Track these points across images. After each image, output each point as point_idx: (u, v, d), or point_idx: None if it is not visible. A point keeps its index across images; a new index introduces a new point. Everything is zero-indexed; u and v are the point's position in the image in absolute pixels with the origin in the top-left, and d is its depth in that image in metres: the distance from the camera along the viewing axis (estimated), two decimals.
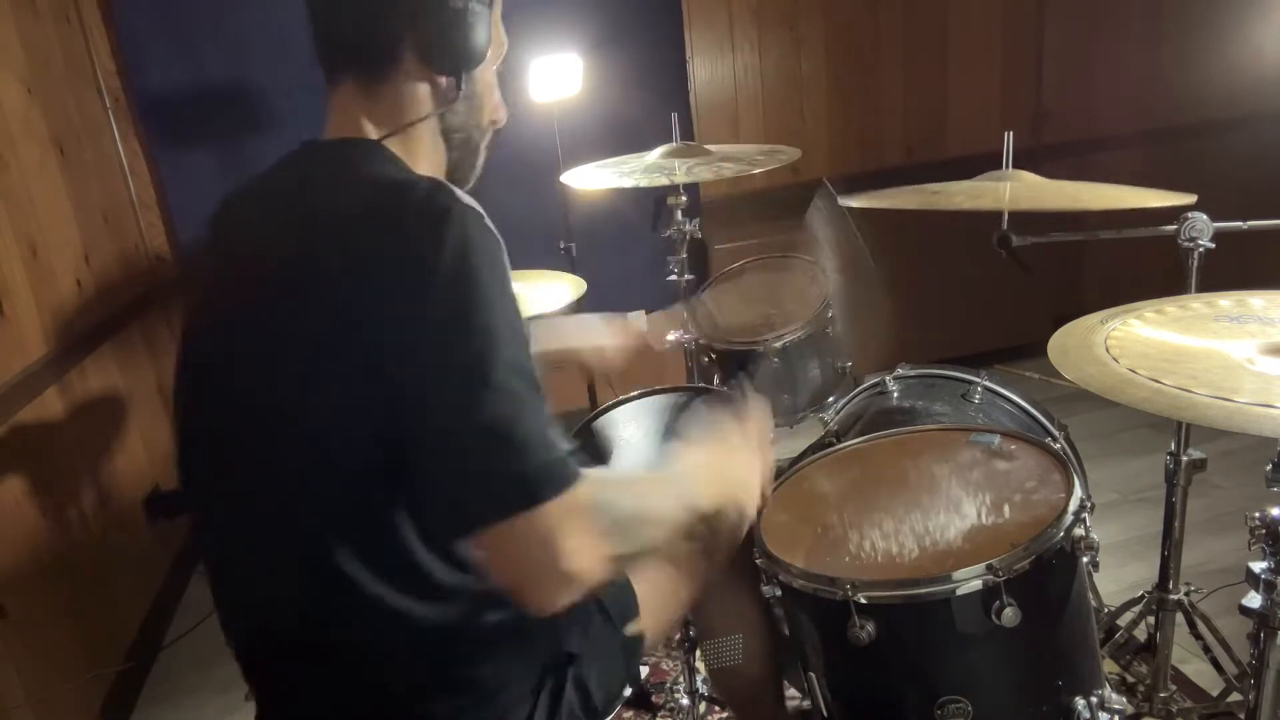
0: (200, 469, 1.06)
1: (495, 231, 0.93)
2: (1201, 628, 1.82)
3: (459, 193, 0.95)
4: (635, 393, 1.91)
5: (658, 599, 1.26)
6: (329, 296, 0.90)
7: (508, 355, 0.88)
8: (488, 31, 1.07)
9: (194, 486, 1.08)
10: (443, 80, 1.06)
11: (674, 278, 2.16)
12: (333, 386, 0.91)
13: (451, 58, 1.04)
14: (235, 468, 1.01)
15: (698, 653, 1.81)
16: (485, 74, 1.11)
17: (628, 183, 1.96)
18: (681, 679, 1.94)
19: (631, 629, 1.22)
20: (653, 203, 2.26)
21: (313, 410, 0.92)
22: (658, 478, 1.13)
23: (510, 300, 0.91)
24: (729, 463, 1.20)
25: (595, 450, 1.75)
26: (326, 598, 0.96)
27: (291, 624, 1.00)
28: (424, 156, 1.08)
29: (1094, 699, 1.18)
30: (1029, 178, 1.69)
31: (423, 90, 1.06)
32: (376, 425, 0.89)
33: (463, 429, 0.87)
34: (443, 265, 0.87)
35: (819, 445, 1.69)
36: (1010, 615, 1.09)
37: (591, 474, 0.93)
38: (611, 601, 1.21)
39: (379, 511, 0.93)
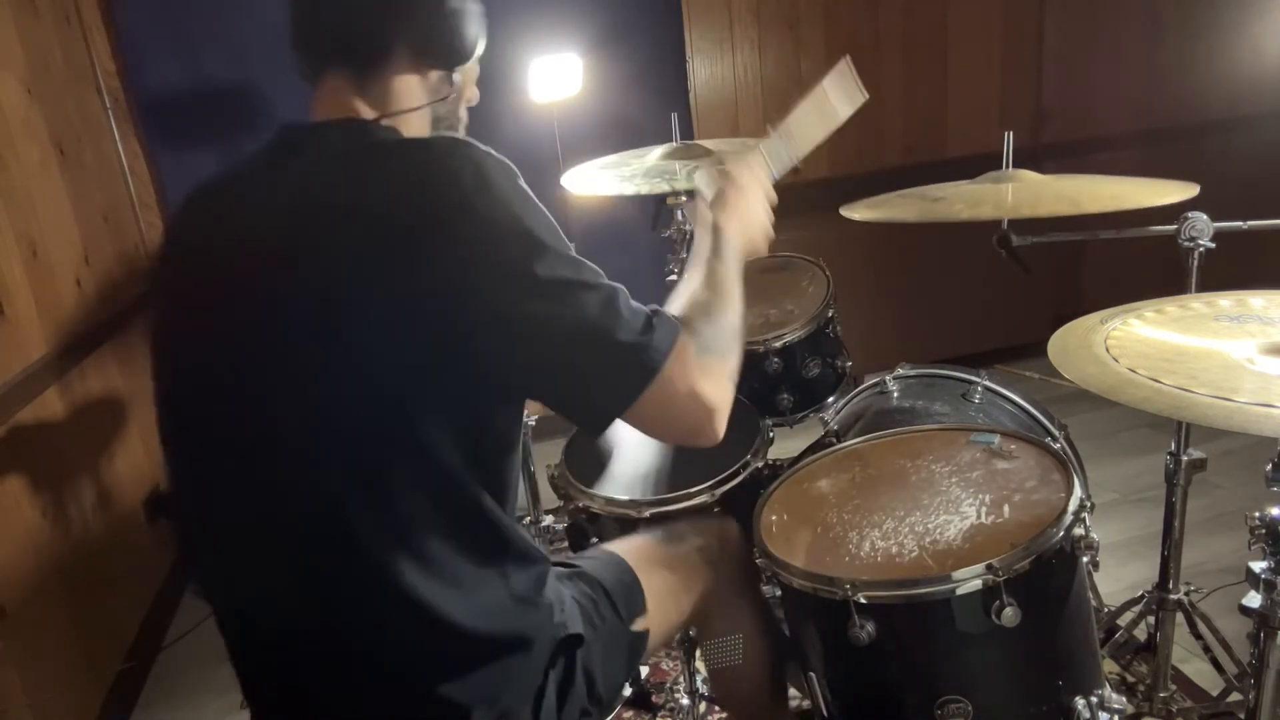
0: (203, 468, 1.05)
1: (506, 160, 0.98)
2: (1201, 627, 1.82)
3: (480, 145, 0.98)
4: None
5: (664, 599, 1.28)
6: (383, 266, 0.90)
7: (566, 254, 0.95)
8: (479, 27, 1.09)
9: (193, 486, 1.07)
10: (433, 74, 1.08)
11: (674, 278, 2.16)
12: (397, 352, 0.91)
13: (445, 55, 1.08)
14: (248, 463, 1.00)
15: (698, 653, 1.81)
16: (470, 64, 1.14)
17: (628, 189, 1.95)
18: (681, 679, 1.94)
19: (638, 625, 1.23)
20: (653, 203, 2.27)
21: (363, 379, 0.92)
22: (716, 283, 1.12)
23: (539, 206, 0.97)
24: (746, 208, 1.24)
25: (595, 450, 1.75)
26: (348, 582, 0.97)
27: (309, 613, 1.00)
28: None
29: (1094, 699, 1.18)
30: (1030, 177, 1.69)
31: (413, 82, 1.08)
32: (450, 380, 0.92)
33: (569, 335, 0.93)
34: (482, 205, 0.92)
35: (819, 445, 1.69)
36: (1010, 615, 1.09)
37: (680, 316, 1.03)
38: (620, 596, 1.22)
39: (412, 486, 0.94)
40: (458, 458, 0.96)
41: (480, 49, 1.12)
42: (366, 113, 1.05)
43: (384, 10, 1.03)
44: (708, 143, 2.17)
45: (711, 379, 1.00)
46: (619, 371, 0.95)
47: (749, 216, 1.24)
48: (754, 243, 1.24)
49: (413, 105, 1.07)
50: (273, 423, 0.97)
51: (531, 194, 0.97)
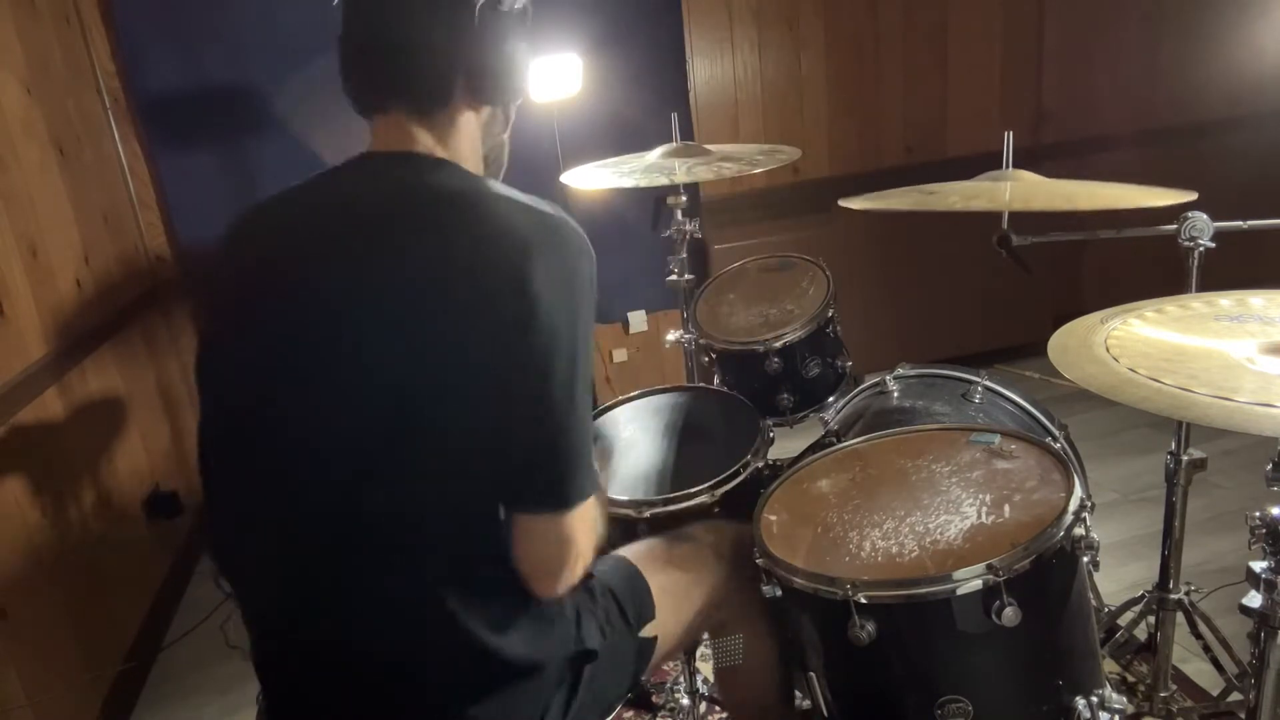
0: (240, 476, 1.06)
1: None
2: (1202, 627, 1.82)
3: (572, 222, 1.03)
4: (635, 393, 1.91)
5: (674, 600, 1.28)
6: (462, 304, 0.94)
7: (588, 370, 1.01)
8: (530, 64, 1.14)
9: (229, 492, 1.09)
10: (487, 110, 1.13)
11: (674, 278, 2.16)
12: (451, 386, 0.95)
13: (502, 94, 1.12)
14: (284, 473, 1.01)
15: (698, 653, 1.81)
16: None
17: (628, 182, 1.96)
18: (681, 679, 1.94)
19: (647, 631, 1.23)
20: (653, 203, 2.26)
21: (416, 401, 0.95)
22: None
23: (592, 301, 1.02)
24: None
25: (595, 450, 1.75)
26: (378, 591, 0.99)
27: (334, 621, 1.01)
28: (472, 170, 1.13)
29: (1094, 698, 1.18)
30: (1029, 177, 1.69)
31: (470, 118, 1.11)
32: (478, 411, 0.96)
33: (537, 433, 0.98)
34: (563, 288, 0.97)
35: (819, 445, 1.69)
36: (1010, 615, 1.09)
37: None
38: (630, 602, 1.22)
39: (445, 502, 0.98)
40: (486, 469, 0.99)
41: (527, 88, 1.16)
42: (425, 143, 1.07)
43: (448, 54, 1.05)
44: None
45: (591, 538, 1.05)
46: (550, 484, 1.00)
47: None
48: None
49: (469, 138, 1.11)
50: (310, 432, 0.99)
51: (592, 286, 1.01)
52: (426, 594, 0.98)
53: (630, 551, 1.33)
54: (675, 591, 1.28)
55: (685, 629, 1.33)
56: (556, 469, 0.99)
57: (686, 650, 1.80)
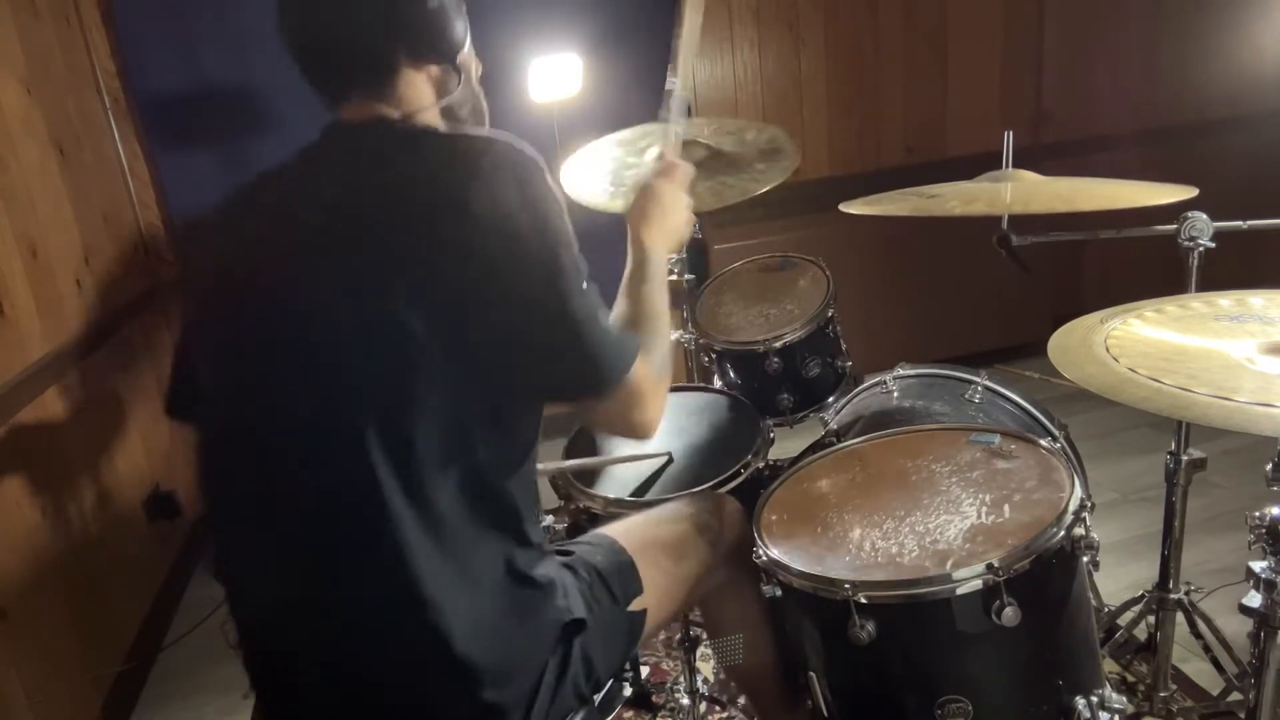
0: (234, 446, 1.08)
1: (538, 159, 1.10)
2: (1202, 627, 1.82)
3: (514, 141, 1.09)
4: None
5: (661, 578, 1.29)
6: (432, 241, 0.99)
7: (577, 266, 1.06)
8: (464, 17, 1.18)
9: (223, 473, 1.11)
10: (434, 69, 1.16)
11: (674, 277, 2.16)
12: (437, 333, 0.97)
13: (440, 50, 1.15)
14: (280, 440, 1.04)
15: (698, 652, 1.81)
16: (465, 50, 1.22)
17: (625, 190, 1.95)
18: (681, 679, 1.94)
19: (635, 606, 1.25)
20: None
21: (409, 358, 0.98)
22: (651, 300, 1.25)
23: (559, 210, 1.08)
24: (663, 212, 1.33)
25: (595, 450, 1.75)
26: (370, 554, 1.00)
27: (324, 587, 1.03)
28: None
29: (1094, 698, 1.18)
30: (1029, 177, 1.69)
31: (419, 80, 1.15)
32: (476, 364, 1.00)
33: (559, 333, 1.04)
34: (526, 205, 1.03)
35: (819, 445, 1.69)
36: (1010, 615, 1.09)
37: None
38: (616, 580, 1.24)
39: (444, 463, 1.00)
40: (479, 424, 1.02)
41: (468, 36, 1.20)
42: (391, 114, 1.13)
43: (379, 31, 1.11)
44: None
45: (654, 387, 1.14)
46: (597, 369, 1.07)
47: (668, 219, 1.33)
48: (678, 236, 1.36)
49: (424, 99, 1.15)
50: (302, 396, 1.02)
51: (553, 194, 1.08)
52: (442, 560, 1.00)
53: (614, 530, 1.34)
54: (660, 571, 1.29)
55: (675, 601, 1.34)
56: (579, 363, 1.06)
57: (686, 650, 1.80)
